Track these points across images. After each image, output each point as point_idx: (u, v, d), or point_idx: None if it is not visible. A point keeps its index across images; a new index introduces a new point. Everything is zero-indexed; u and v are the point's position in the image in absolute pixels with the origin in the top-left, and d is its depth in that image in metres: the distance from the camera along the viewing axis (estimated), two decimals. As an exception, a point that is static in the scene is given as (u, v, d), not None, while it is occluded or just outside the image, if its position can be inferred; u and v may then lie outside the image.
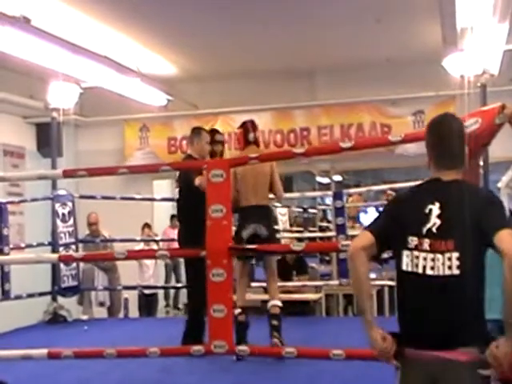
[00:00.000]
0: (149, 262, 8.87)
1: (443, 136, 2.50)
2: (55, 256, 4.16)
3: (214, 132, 5.88)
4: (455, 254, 2.29)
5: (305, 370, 4.44)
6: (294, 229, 10.73)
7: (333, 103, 9.64)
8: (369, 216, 14.96)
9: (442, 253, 2.29)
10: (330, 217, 10.32)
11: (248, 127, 5.39)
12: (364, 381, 4.25)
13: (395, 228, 2.40)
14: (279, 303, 5.14)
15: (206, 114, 9.93)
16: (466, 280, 2.29)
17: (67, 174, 4.46)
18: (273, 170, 5.28)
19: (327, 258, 9.41)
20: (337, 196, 7.41)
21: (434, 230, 2.32)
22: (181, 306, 10.41)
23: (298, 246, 3.95)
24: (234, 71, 9.51)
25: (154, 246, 8.58)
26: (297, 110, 9.86)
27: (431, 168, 2.52)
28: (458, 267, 2.28)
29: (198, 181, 4.75)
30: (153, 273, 8.99)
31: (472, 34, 6.38)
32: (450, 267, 2.28)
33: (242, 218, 5.18)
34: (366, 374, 4.19)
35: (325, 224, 9.84)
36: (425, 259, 2.31)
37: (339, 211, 7.23)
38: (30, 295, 7.07)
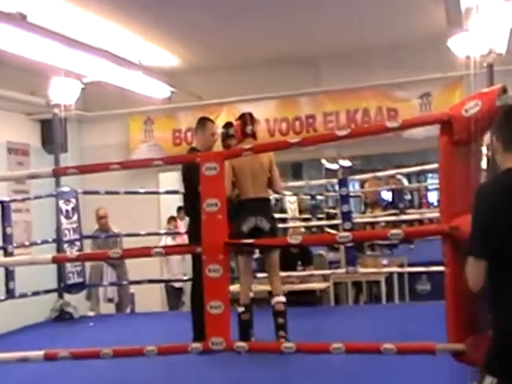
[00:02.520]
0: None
1: None
2: (49, 257, 4.10)
3: (228, 126, 5.77)
4: None
5: (308, 363, 4.37)
6: (303, 216, 10.66)
7: (338, 89, 9.50)
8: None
9: None
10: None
11: (246, 119, 5.33)
12: (368, 373, 4.18)
13: (500, 232, 2.31)
14: (283, 299, 5.08)
15: (210, 105, 9.82)
16: None
17: (57, 173, 4.41)
18: (271, 163, 5.20)
19: (336, 245, 9.30)
20: (342, 183, 7.30)
21: None
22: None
23: (295, 240, 3.86)
24: (237, 61, 9.42)
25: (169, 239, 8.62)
26: (302, 97, 9.73)
27: (500, 150, 2.48)
28: None
29: None
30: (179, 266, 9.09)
31: (477, 13, 6.25)
32: None
33: (241, 211, 5.09)
34: (370, 366, 4.12)
35: (332, 211, 9.74)
36: None
37: (344, 198, 7.14)
38: (35, 293, 7.07)
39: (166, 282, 8.73)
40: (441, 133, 3.41)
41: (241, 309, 5.12)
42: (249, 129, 5.27)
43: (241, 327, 5.06)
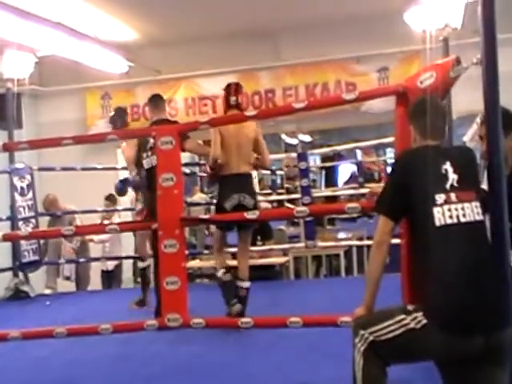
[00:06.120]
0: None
1: (433, 112, 2.75)
2: (-2, 235, 4.01)
3: None
4: (477, 203, 2.58)
5: (264, 337, 4.38)
6: (263, 192, 10.65)
7: (297, 63, 9.48)
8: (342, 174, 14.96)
9: (469, 201, 2.56)
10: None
11: (230, 90, 5.13)
12: (323, 346, 4.19)
13: (413, 194, 2.57)
14: (247, 284, 5.02)
15: (168, 80, 9.71)
16: (484, 226, 2.63)
17: (8, 148, 4.30)
18: (257, 135, 5.07)
19: (296, 220, 9.32)
20: (301, 157, 7.30)
21: (455, 184, 2.57)
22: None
23: (253, 215, 3.83)
24: (196, 34, 9.30)
25: (116, 217, 8.36)
26: (261, 71, 9.69)
27: (418, 138, 2.77)
28: (482, 214, 2.59)
29: (188, 145, 4.84)
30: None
31: (433, -14, 6.26)
32: (477, 213, 2.56)
33: (224, 187, 5.00)
34: (326, 339, 4.13)
35: (291, 186, 9.75)
36: (456, 209, 2.52)
37: (303, 172, 7.14)
38: (-11, 272, 6.93)
39: (124, 258, 8.55)
40: (397, 104, 3.41)
41: (221, 271, 5.04)
42: (232, 100, 5.08)
43: (224, 289, 5.00)
